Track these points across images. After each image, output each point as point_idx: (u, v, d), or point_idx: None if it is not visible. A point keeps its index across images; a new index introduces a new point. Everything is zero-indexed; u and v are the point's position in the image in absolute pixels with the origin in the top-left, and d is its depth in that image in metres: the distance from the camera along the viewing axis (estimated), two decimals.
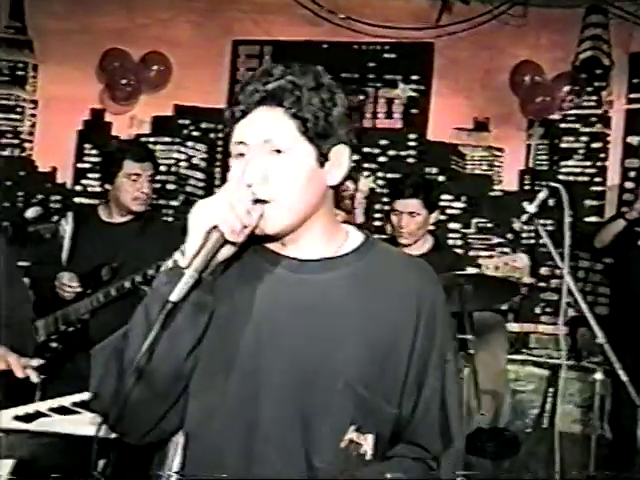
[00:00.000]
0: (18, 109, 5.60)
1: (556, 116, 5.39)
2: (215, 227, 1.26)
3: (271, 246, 1.42)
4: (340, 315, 1.37)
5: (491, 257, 3.61)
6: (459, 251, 5.11)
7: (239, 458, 1.34)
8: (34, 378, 2.07)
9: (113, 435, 1.53)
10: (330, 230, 1.44)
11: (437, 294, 1.45)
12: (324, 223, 1.42)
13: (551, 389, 4.65)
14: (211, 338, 1.35)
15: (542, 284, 5.25)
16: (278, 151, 1.34)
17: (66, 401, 2.12)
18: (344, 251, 1.43)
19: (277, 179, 1.33)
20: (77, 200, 5.48)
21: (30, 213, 4.29)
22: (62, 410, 2.07)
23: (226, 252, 1.31)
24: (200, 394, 1.37)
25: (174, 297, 1.22)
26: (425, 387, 1.40)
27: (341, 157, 1.40)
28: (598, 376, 3.01)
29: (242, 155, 1.36)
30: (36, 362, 2.15)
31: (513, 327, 5.20)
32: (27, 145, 5.59)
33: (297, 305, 1.38)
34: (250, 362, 1.35)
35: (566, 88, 5.26)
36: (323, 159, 1.37)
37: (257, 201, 1.31)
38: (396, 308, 1.40)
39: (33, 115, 5.62)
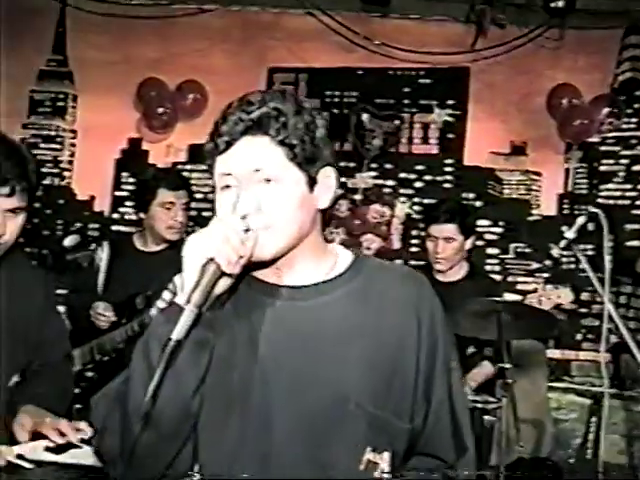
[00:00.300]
0: (58, 139, 5.70)
1: (595, 139, 5.31)
2: (211, 260, 1.24)
3: (264, 276, 1.40)
4: (341, 337, 1.37)
5: (535, 290, 3.52)
6: (497, 277, 5.04)
7: None
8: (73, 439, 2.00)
9: None
10: (321, 252, 1.44)
11: (434, 304, 1.45)
12: (315, 246, 1.42)
13: (594, 418, 4.52)
14: (213, 375, 1.32)
15: (583, 310, 5.13)
16: (268, 180, 1.32)
17: None
18: (336, 272, 1.43)
19: (270, 208, 1.32)
20: (114, 228, 5.54)
21: (68, 241, 4.34)
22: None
23: (223, 284, 1.29)
24: (208, 432, 1.35)
25: (177, 335, 1.20)
26: (433, 397, 1.41)
27: (329, 179, 1.40)
28: None
29: (228, 187, 1.34)
30: (84, 425, 2.03)
31: (554, 354, 5.09)
32: (66, 174, 5.68)
33: (297, 334, 1.36)
34: (257, 397, 1.34)
35: (605, 110, 5.18)
36: (312, 183, 1.37)
37: (248, 230, 1.30)
38: (396, 323, 1.39)
39: (73, 144, 5.71)
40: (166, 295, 1.31)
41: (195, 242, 1.27)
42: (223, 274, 1.26)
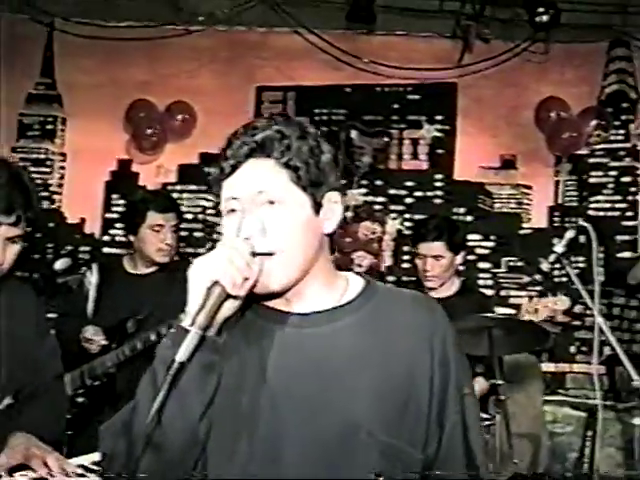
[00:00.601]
0: (48, 162, 5.68)
1: (584, 151, 5.34)
2: (216, 282, 1.24)
3: (273, 303, 1.39)
4: (351, 365, 1.35)
5: (531, 298, 3.52)
6: (489, 292, 5.04)
7: None
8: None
9: None
10: (331, 279, 1.42)
11: (446, 329, 1.42)
12: (324, 272, 1.40)
13: (589, 432, 4.50)
14: (221, 403, 1.31)
15: (576, 322, 5.12)
16: (272, 202, 1.32)
17: (87, 460, 2.09)
18: (347, 299, 1.41)
19: (275, 231, 1.31)
20: (106, 250, 5.51)
21: (59, 265, 4.31)
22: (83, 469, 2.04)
23: (229, 308, 1.29)
24: (216, 459, 1.33)
25: (180, 357, 1.20)
26: (446, 423, 1.38)
27: (334, 204, 1.39)
28: (637, 421, 2.91)
29: (234, 211, 1.35)
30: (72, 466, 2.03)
31: (548, 367, 5.08)
32: (56, 197, 5.65)
33: (307, 362, 1.35)
34: (267, 425, 1.32)
35: (593, 123, 5.21)
36: (317, 207, 1.36)
37: (255, 254, 1.29)
38: (407, 351, 1.37)
39: (62, 167, 5.69)
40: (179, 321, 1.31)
41: (200, 265, 1.27)
42: (228, 296, 1.26)
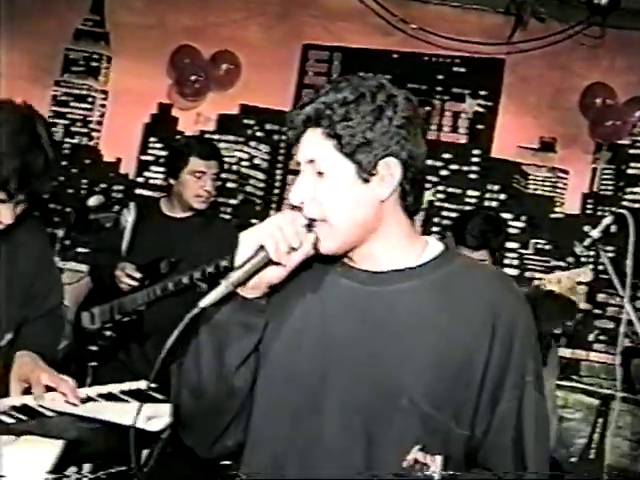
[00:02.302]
0: (89, 99, 5.71)
1: (626, 141, 5.28)
2: (262, 247, 1.30)
3: (347, 260, 1.43)
4: (409, 328, 1.35)
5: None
6: (514, 272, 5.04)
7: (299, 471, 1.34)
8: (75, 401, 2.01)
9: (156, 427, 1.57)
10: (404, 242, 1.42)
11: (517, 308, 1.39)
12: (393, 236, 1.40)
13: (600, 420, 4.53)
14: (278, 350, 1.37)
15: (598, 311, 5.13)
16: (320, 173, 1.37)
17: (116, 388, 2.15)
18: (421, 261, 1.41)
19: (322, 200, 1.36)
20: (138, 192, 5.55)
21: (92, 201, 4.36)
22: (110, 397, 2.10)
23: (274, 273, 1.33)
24: (264, 406, 1.39)
25: (203, 303, 1.27)
26: (499, 408, 1.34)
27: (389, 170, 1.37)
28: None
29: (298, 173, 1.42)
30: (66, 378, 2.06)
31: (565, 352, 5.09)
32: (95, 134, 5.70)
33: (366, 318, 1.36)
34: (315, 375, 1.36)
35: (638, 113, 5.14)
36: (367, 174, 1.36)
37: (310, 225, 1.34)
38: (471, 322, 1.34)
39: (103, 105, 5.72)
40: None
41: (253, 228, 1.34)
42: (271, 262, 1.31)
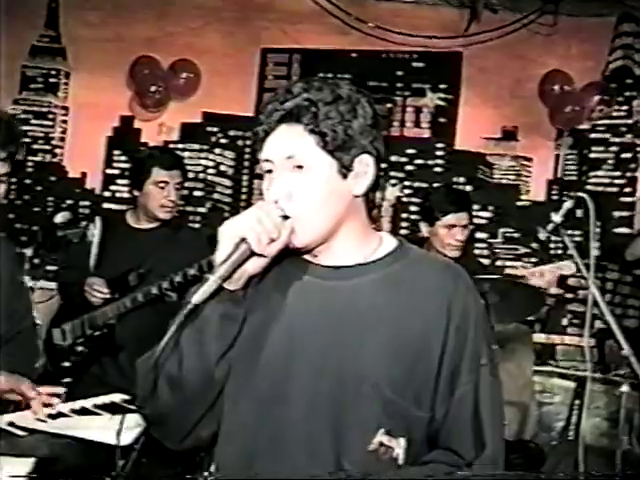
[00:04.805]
0: (50, 115, 5.68)
1: (585, 126, 5.35)
2: (243, 239, 1.32)
3: (306, 255, 1.46)
4: (369, 319, 1.40)
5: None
6: (485, 261, 5.08)
7: (269, 459, 1.38)
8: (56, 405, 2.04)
9: (126, 441, 1.57)
10: (362, 237, 1.47)
11: (469, 299, 1.45)
12: (355, 231, 1.45)
13: (577, 402, 4.58)
14: (244, 344, 1.40)
15: (569, 295, 5.19)
16: (300, 167, 1.39)
17: (89, 403, 2.15)
18: (377, 256, 1.46)
19: (300, 195, 1.39)
20: (105, 206, 5.53)
21: (59, 218, 4.34)
22: (84, 411, 2.10)
23: (254, 265, 1.36)
24: (233, 397, 1.41)
25: (195, 299, 1.29)
26: (457, 391, 1.40)
27: (365, 167, 1.43)
28: (624, 388, 2.96)
29: (269, 172, 1.42)
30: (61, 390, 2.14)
31: (540, 338, 5.14)
32: (58, 151, 5.66)
33: (327, 311, 1.41)
34: (280, 366, 1.39)
35: (596, 98, 5.21)
36: (345, 171, 1.41)
37: (286, 217, 1.37)
38: (425, 313, 1.41)
39: (64, 121, 5.69)
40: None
41: (231, 222, 1.35)
42: (253, 254, 1.34)
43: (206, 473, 1.41)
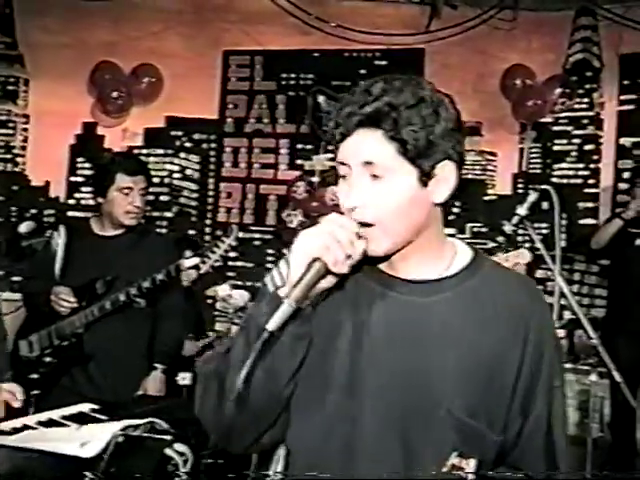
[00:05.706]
0: (10, 124, 5.59)
1: (548, 119, 5.41)
2: (317, 259, 1.24)
3: (382, 266, 1.39)
4: (444, 340, 1.34)
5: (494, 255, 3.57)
6: None
7: (337, 473, 1.33)
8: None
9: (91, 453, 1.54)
10: (439, 247, 1.40)
11: (545, 318, 1.40)
12: (432, 241, 1.38)
13: None
14: (314, 357, 1.34)
15: (538, 287, 5.23)
16: (377, 175, 1.30)
17: (56, 414, 2.11)
18: (453, 270, 1.39)
19: (378, 204, 1.30)
20: (70, 214, 5.46)
21: (23, 228, 4.29)
22: (51, 423, 2.05)
23: (328, 282, 1.28)
24: (302, 411, 1.36)
25: (271, 326, 1.21)
26: (531, 414, 1.36)
27: (446, 173, 1.33)
28: (593, 377, 3.00)
29: (344, 177, 1.34)
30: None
31: None
32: (20, 160, 5.59)
33: (401, 328, 1.35)
34: (351, 382, 1.34)
35: (557, 91, 5.28)
36: (426, 178, 1.32)
37: (363, 225, 1.29)
38: (502, 333, 1.35)
39: (25, 130, 5.61)
40: (268, 279, 1.34)
41: (304, 238, 1.27)
42: (328, 272, 1.26)
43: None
